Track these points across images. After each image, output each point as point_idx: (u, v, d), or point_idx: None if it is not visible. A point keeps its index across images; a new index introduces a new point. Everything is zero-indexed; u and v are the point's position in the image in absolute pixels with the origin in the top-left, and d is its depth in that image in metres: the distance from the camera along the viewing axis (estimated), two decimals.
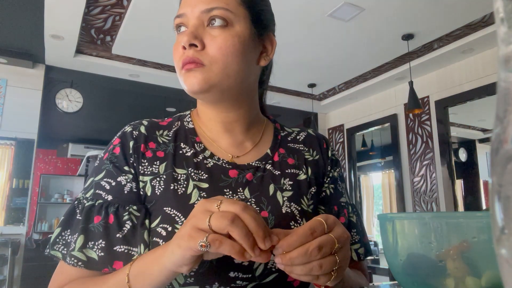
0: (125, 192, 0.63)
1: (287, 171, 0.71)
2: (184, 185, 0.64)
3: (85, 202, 0.63)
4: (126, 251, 0.60)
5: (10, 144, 3.29)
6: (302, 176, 0.72)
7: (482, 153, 3.72)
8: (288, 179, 0.70)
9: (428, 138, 3.62)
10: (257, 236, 0.44)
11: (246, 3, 0.66)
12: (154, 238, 0.60)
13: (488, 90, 3.13)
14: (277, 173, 0.70)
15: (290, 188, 0.69)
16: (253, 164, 0.70)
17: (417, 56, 3.33)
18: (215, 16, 0.62)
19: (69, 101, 3.78)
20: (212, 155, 0.69)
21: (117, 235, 0.60)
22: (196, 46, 0.61)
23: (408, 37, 2.95)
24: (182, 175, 0.65)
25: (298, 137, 0.79)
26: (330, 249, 0.47)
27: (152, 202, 0.64)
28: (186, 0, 0.65)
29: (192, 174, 0.66)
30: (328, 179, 0.76)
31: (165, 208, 0.62)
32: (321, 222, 0.48)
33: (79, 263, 0.58)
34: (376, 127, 4.31)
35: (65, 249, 0.60)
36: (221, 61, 0.62)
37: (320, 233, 0.47)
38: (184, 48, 0.61)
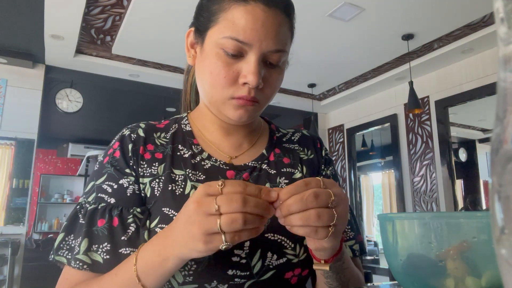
0: (128, 194, 0.64)
1: (282, 170, 0.72)
2: (182, 186, 0.65)
3: (88, 206, 0.63)
4: (131, 253, 0.60)
5: (10, 144, 3.29)
6: (298, 175, 0.73)
7: (482, 153, 3.72)
8: (283, 177, 0.71)
9: (428, 138, 3.62)
10: (265, 215, 0.46)
11: (291, 39, 0.67)
12: None
13: (488, 90, 3.13)
14: (272, 172, 0.71)
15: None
16: (249, 164, 0.71)
17: (417, 56, 3.33)
18: (278, 60, 0.62)
19: (69, 101, 3.78)
20: (209, 157, 0.70)
21: (122, 238, 0.60)
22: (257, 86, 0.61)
23: (408, 37, 2.95)
24: (180, 176, 0.66)
25: (293, 138, 0.80)
26: (326, 200, 0.46)
27: (151, 203, 0.64)
28: (255, 28, 0.58)
29: (190, 175, 0.66)
30: (321, 177, 0.76)
31: (163, 209, 0.62)
32: (317, 179, 0.49)
33: (85, 266, 0.58)
34: (376, 127, 4.31)
35: (70, 254, 0.60)
36: (271, 98, 0.66)
37: (315, 185, 0.47)
38: (245, 83, 0.60)
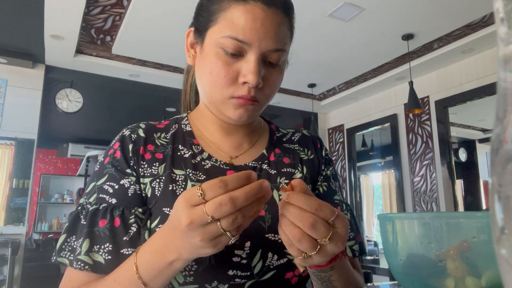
0: (129, 194, 0.64)
1: (283, 170, 0.72)
2: (183, 186, 0.65)
3: (89, 206, 0.63)
4: (133, 253, 0.60)
5: (10, 144, 3.29)
6: (298, 175, 0.73)
7: (482, 153, 3.71)
8: (284, 178, 0.71)
9: (428, 138, 3.62)
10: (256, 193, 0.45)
11: (291, 39, 0.67)
12: None
13: (488, 90, 3.13)
14: (273, 172, 0.71)
15: None
16: (250, 164, 0.71)
17: (417, 56, 3.33)
18: (278, 59, 0.62)
19: (69, 101, 3.78)
20: (210, 157, 0.70)
21: (124, 238, 0.60)
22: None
23: (408, 37, 2.95)
24: (180, 176, 0.66)
25: (293, 138, 0.80)
26: (319, 236, 0.46)
27: (152, 203, 0.64)
28: (255, 28, 0.58)
29: (190, 175, 0.66)
30: (321, 177, 0.77)
31: (164, 209, 0.62)
32: (333, 210, 0.47)
33: (86, 267, 0.58)
34: (376, 127, 4.31)
35: (72, 255, 0.60)
36: (271, 97, 0.66)
37: (323, 215, 0.46)
38: (245, 82, 0.60)
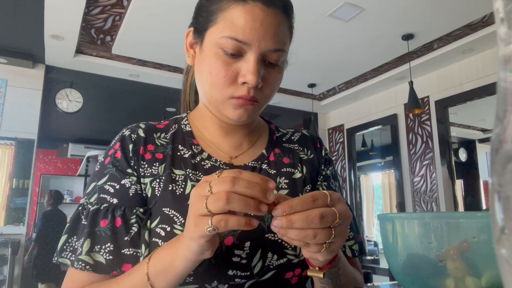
0: (130, 194, 0.64)
1: (282, 170, 0.72)
2: (182, 186, 0.65)
3: (90, 207, 0.63)
4: (134, 253, 0.60)
5: (10, 144, 3.29)
6: (298, 175, 0.73)
7: (482, 153, 3.71)
8: (284, 177, 0.71)
9: (428, 138, 3.62)
10: (258, 197, 0.44)
11: (291, 39, 0.66)
12: (153, 239, 0.61)
13: (488, 90, 3.13)
14: (272, 172, 0.71)
15: (286, 186, 0.70)
16: (249, 164, 0.71)
17: (417, 56, 3.33)
18: (277, 59, 0.62)
19: (69, 101, 3.78)
20: (209, 157, 0.70)
21: (125, 238, 0.60)
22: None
23: (408, 37, 2.95)
24: (180, 176, 0.66)
25: (293, 138, 0.80)
26: (331, 222, 0.46)
27: (152, 203, 0.64)
28: (254, 28, 0.58)
29: (190, 175, 0.66)
30: (321, 177, 0.77)
31: (164, 209, 0.62)
32: (324, 193, 0.47)
33: (87, 267, 0.58)
34: (376, 127, 4.31)
35: (73, 255, 0.60)
36: (270, 97, 0.66)
37: (322, 203, 0.46)
38: (244, 83, 0.60)
